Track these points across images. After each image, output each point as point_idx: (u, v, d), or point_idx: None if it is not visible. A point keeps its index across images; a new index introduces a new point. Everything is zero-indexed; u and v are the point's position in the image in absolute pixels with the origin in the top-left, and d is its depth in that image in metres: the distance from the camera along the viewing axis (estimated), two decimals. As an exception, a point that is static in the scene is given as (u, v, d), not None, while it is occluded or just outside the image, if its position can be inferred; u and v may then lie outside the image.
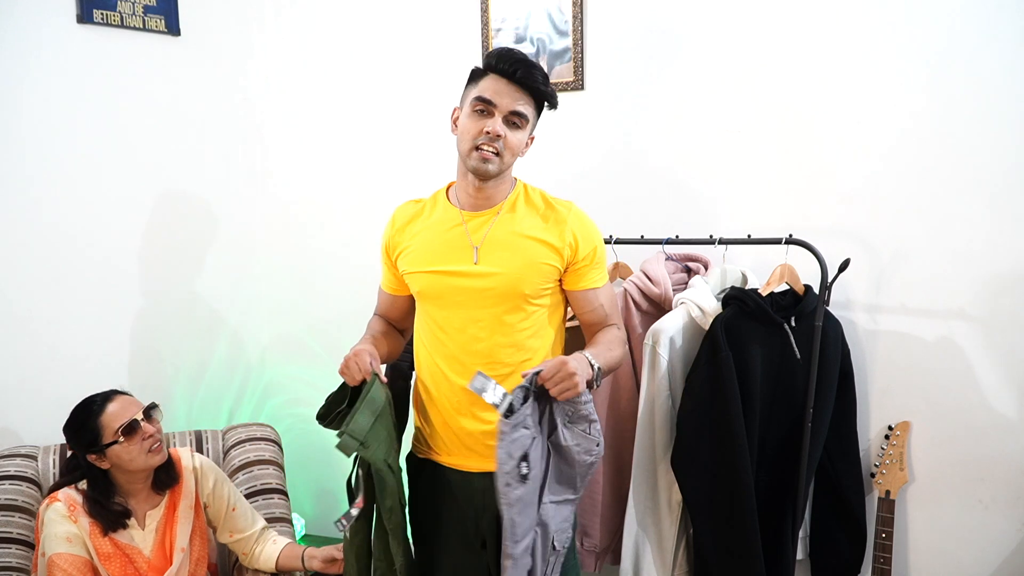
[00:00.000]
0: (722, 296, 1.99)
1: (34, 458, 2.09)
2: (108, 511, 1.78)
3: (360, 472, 1.69)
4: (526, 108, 1.63)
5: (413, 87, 2.62)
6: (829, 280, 1.89)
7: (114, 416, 1.77)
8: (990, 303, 2.01)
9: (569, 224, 1.67)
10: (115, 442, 1.76)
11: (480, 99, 1.62)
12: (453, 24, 2.53)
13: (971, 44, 1.96)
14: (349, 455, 1.60)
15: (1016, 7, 1.92)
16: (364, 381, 1.64)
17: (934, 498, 2.11)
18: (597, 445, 1.60)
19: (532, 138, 1.71)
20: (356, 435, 1.60)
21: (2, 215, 2.21)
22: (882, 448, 2.10)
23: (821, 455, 2.01)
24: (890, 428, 2.10)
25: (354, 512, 1.68)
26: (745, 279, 2.11)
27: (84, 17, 2.32)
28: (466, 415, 1.70)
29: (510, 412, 1.48)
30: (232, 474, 2.22)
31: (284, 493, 2.23)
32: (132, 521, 1.82)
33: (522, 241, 1.66)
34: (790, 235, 1.94)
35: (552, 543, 1.63)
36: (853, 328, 2.13)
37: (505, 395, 1.48)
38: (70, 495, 1.79)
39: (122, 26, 2.40)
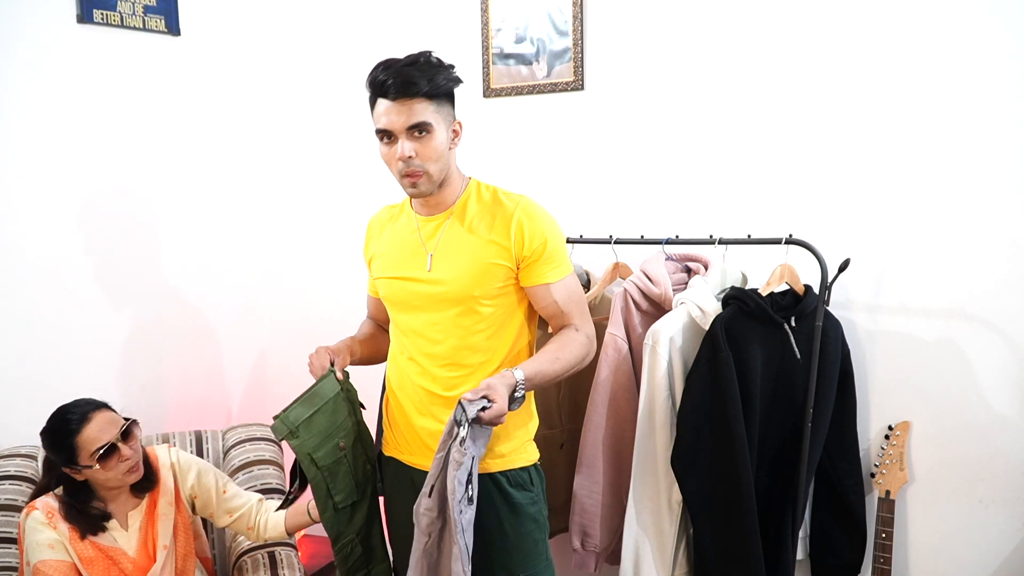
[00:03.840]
0: (722, 296, 1.99)
1: (34, 458, 2.09)
2: (85, 516, 1.76)
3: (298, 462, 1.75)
4: (422, 115, 1.57)
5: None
6: (829, 280, 1.89)
7: (91, 439, 1.72)
8: (990, 303, 2.01)
9: (516, 219, 1.65)
10: (91, 466, 1.73)
11: (378, 131, 1.61)
12: (453, 24, 2.53)
13: (972, 43, 1.96)
14: (278, 440, 1.70)
15: (1017, 6, 1.92)
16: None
17: (934, 498, 2.11)
18: (489, 434, 1.62)
19: (459, 123, 1.67)
20: (288, 423, 1.67)
21: (2, 214, 2.21)
22: (882, 448, 2.10)
23: (821, 455, 2.01)
24: (890, 428, 2.10)
25: (292, 498, 1.78)
26: (745, 279, 2.11)
27: (84, 17, 2.32)
28: (426, 415, 1.73)
29: (463, 441, 1.48)
30: (232, 474, 2.23)
31: (284, 493, 2.23)
32: (114, 523, 1.80)
33: (471, 243, 1.66)
34: (790, 235, 1.94)
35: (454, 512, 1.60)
36: (853, 328, 2.13)
37: (465, 426, 1.49)
38: (47, 502, 1.76)
39: (122, 26, 2.40)
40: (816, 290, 1.93)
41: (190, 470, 1.92)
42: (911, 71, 2.02)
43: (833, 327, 1.98)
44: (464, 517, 1.52)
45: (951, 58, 1.98)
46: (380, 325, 1.94)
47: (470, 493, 1.52)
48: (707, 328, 1.92)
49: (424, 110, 1.57)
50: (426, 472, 1.69)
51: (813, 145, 2.14)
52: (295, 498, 1.80)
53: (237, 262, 2.80)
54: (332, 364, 1.75)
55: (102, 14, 2.35)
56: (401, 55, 1.63)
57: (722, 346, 1.86)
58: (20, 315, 2.25)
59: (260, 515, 1.95)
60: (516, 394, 1.55)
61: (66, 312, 2.34)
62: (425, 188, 1.63)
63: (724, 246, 2.03)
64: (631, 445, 1.98)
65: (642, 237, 2.16)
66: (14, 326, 2.24)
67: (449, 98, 1.64)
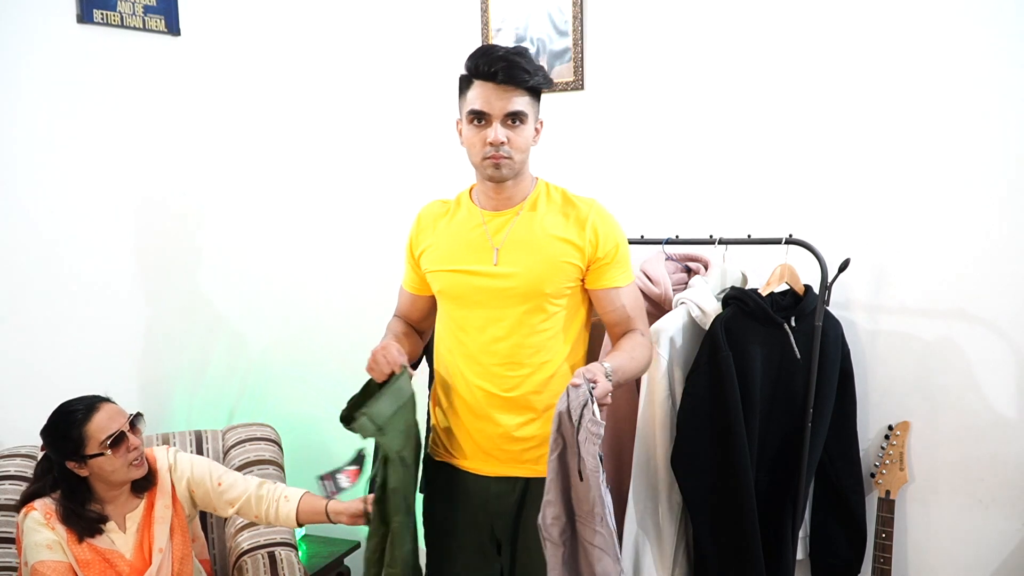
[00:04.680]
0: (722, 296, 1.99)
1: (34, 458, 2.09)
2: (82, 518, 1.74)
3: (373, 458, 1.66)
4: (520, 105, 1.60)
5: (413, 87, 2.62)
6: (829, 280, 1.89)
7: (101, 427, 1.72)
8: (990, 303, 2.01)
9: (591, 221, 1.65)
10: (100, 454, 1.72)
11: (472, 112, 1.60)
12: (453, 24, 2.53)
13: (972, 43, 1.96)
14: (365, 437, 1.58)
15: (1017, 5, 1.92)
16: (391, 376, 1.63)
17: (934, 498, 2.11)
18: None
19: (541, 123, 1.69)
20: (375, 419, 1.58)
21: (1, 214, 2.21)
22: (882, 448, 2.10)
23: (821, 455, 2.01)
24: (890, 428, 2.10)
25: (344, 482, 1.68)
26: (745, 279, 2.11)
27: (84, 17, 2.32)
28: (483, 418, 1.69)
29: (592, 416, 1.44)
30: (232, 474, 2.22)
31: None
32: (112, 525, 1.79)
33: (543, 240, 1.65)
34: (790, 235, 1.94)
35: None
36: (853, 328, 2.13)
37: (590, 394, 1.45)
38: (46, 503, 1.75)
39: (122, 26, 2.40)
40: (816, 290, 1.93)
41: (184, 466, 1.91)
42: (911, 71, 2.02)
43: (833, 327, 1.98)
44: (608, 497, 1.48)
45: (951, 58, 1.98)
46: (411, 324, 1.87)
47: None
48: (707, 328, 1.92)
49: (523, 100, 1.60)
50: (481, 476, 1.69)
51: (813, 145, 2.14)
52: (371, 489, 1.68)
53: (237, 262, 2.79)
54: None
55: (102, 14, 2.35)
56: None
57: (722, 346, 1.86)
58: (18, 315, 2.25)
59: (266, 502, 1.88)
60: (610, 378, 1.52)
61: (65, 312, 2.34)
62: (507, 172, 1.62)
63: (724, 246, 2.03)
64: (631, 445, 1.98)
65: (642, 237, 2.16)
66: (14, 326, 2.24)
67: (539, 97, 1.66)
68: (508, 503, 1.70)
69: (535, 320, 1.65)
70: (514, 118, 1.60)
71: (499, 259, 1.65)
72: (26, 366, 2.26)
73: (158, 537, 1.82)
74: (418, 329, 1.88)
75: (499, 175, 1.62)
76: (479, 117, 1.60)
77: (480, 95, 1.59)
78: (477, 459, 1.72)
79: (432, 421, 1.83)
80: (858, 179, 2.10)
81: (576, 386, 1.46)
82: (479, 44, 2.49)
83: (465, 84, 1.63)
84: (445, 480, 1.78)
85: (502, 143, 1.58)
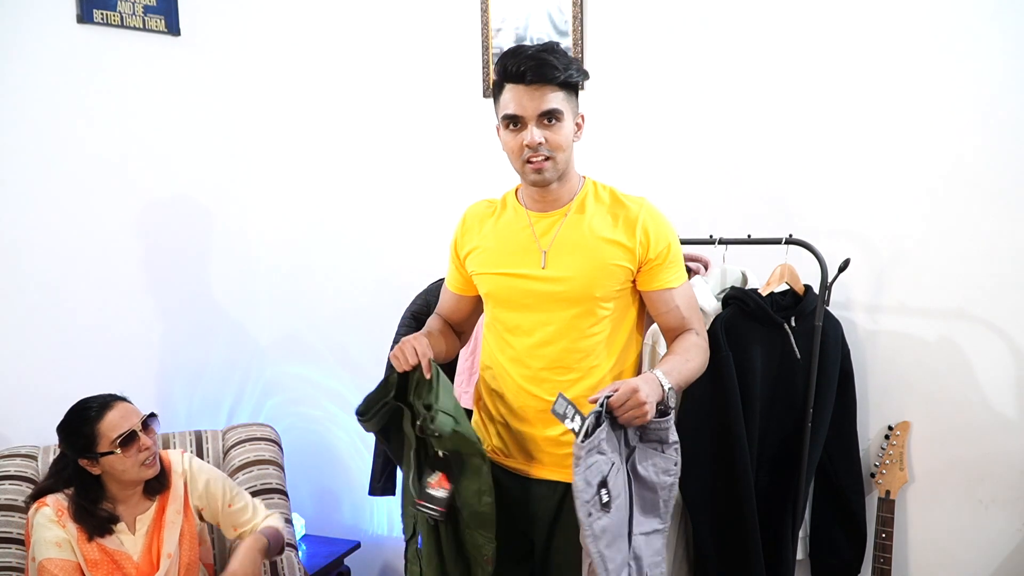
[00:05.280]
0: (722, 296, 1.99)
1: (34, 458, 2.09)
2: (94, 517, 1.75)
3: (440, 453, 1.58)
4: (554, 102, 1.54)
5: (413, 88, 2.62)
6: (829, 280, 1.89)
7: (113, 425, 1.73)
8: (990, 303, 2.01)
9: (641, 221, 1.60)
10: (111, 452, 1.72)
11: (506, 116, 1.56)
12: (453, 24, 2.53)
13: (970, 43, 1.96)
14: (447, 432, 1.51)
15: (1016, 5, 1.92)
16: (414, 369, 1.56)
17: (934, 498, 2.11)
18: (675, 464, 1.53)
19: (582, 118, 1.64)
20: (449, 411, 1.53)
21: (2, 214, 2.21)
22: (882, 448, 2.10)
23: (821, 455, 2.01)
24: (890, 428, 2.10)
25: (440, 493, 1.57)
26: (745, 279, 2.11)
27: (84, 17, 2.32)
28: (531, 421, 1.65)
29: (586, 436, 1.39)
30: (232, 474, 2.22)
31: (284, 493, 2.23)
32: (122, 526, 1.79)
33: (592, 242, 1.60)
34: (790, 235, 1.94)
35: None
36: (853, 328, 2.13)
37: (583, 419, 1.40)
38: (58, 500, 1.76)
39: (122, 26, 2.40)
40: (816, 290, 1.93)
41: (201, 478, 1.91)
42: (911, 71, 2.03)
43: (833, 327, 1.98)
44: (596, 523, 1.41)
45: (951, 59, 1.98)
46: (451, 324, 1.83)
47: (604, 499, 1.42)
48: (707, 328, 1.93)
49: (556, 97, 1.54)
50: (524, 477, 1.66)
51: (813, 145, 2.14)
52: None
53: (237, 261, 2.79)
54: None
55: (102, 14, 2.35)
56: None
57: (722, 346, 1.86)
58: (19, 317, 2.25)
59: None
60: (665, 387, 1.47)
61: (65, 313, 2.34)
62: (550, 175, 1.57)
63: (724, 246, 2.03)
64: (631, 445, 1.98)
65: (642, 237, 2.15)
66: (13, 327, 2.24)
67: (576, 91, 1.61)
68: (548, 506, 1.66)
69: (585, 324, 1.60)
70: (549, 117, 1.54)
71: (547, 262, 1.61)
72: (26, 367, 2.26)
73: (167, 542, 1.82)
74: (458, 330, 1.84)
75: (542, 179, 1.58)
76: (513, 121, 1.55)
77: (512, 98, 1.54)
78: (521, 459, 1.68)
79: (476, 418, 1.79)
80: (858, 179, 2.11)
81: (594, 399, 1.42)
82: (479, 44, 2.49)
83: (497, 89, 1.59)
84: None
85: (539, 144, 1.54)
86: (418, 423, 1.58)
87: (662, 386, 1.48)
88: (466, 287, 1.77)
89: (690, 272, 2.14)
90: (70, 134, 2.33)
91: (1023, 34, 1.92)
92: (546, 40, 2.38)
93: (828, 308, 1.95)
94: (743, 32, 2.18)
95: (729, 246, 2.04)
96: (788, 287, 1.98)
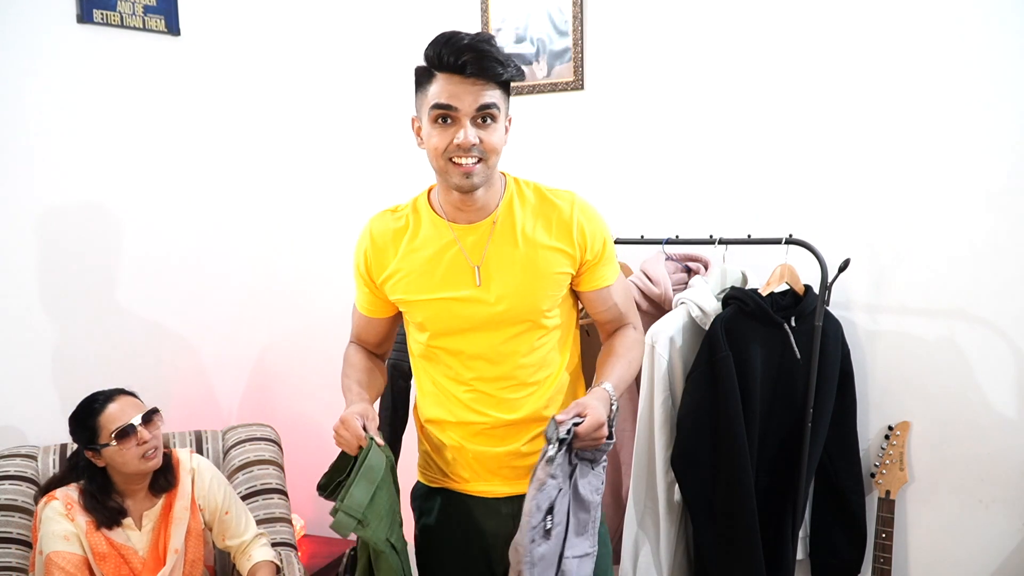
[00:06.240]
0: (722, 296, 1.99)
1: (34, 458, 2.09)
2: (104, 507, 1.78)
3: (355, 553, 1.52)
4: (493, 98, 1.39)
5: (412, 88, 2.61)
6: (829, 280, 1.89)
7: (111, 418, 1.77)
8: (990, 303, 2.01)
9: (576, 221, 1.49)
10: (109, 444, 1.76)
11: (438, 106, 1.39)
12: (453, 24, 2.52)
13: (971, 43, 1.96)
14: (346, 535, 1.41)
15: (1016, 5, 1.92)
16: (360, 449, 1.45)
17: (934, 498, 2.11)
18: (602, 483, 1.49)
19: (510, 120, 1.49)
20: (353, 512, 1.41)
21: (1, 214, 2.21)
22: (882, 448, 2.10)
23: (821, 455, 2.01)
24: (890, 428, 2.10)
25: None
26: (745, 279, 2.11)
27: (84, 17, 2.32)
28: (486, 443, 1.54)
29: (551, 461, 1.35)
30: (232, 474, 2.22)
31: (284, 493, 2.23)
32: (129, 521, 1.81)
33: (528, 252, 1.48)
34: (790, 235, 1.94)
35: None
36: (853, 328, 2.13)
37: (560, 445, 1.34)
38: (67, 493, 1.79)
39: (122, 26, 2.40)
40: (816, 290, 1.93)
41: (206, 477, 1.93)
42: (911, 71, 2.02)
43: (833, 327, 1.98)
44: (536, 550, 1.35)
45: (951, 58, 1.98)
46: (370, 350, 1.70)
47: (548, 526, 1.36)
48: (707, 328, 1.93)
49: (494, 94, 1.40)
50: (489, 499, 1.57)
51: (813, 145, 2.14)
52: None
53: (237, 262, 2.79)
54: (365, 430, 1.46)
55: (102, 14, 2.35)
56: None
57: (722, 346, 1.86)
58: (19, 317, 2.25)
59: (245, 555, 1.92)
60: (613, 406, 1.44)
61: (65, 313, 2.34)
62: (479, 179, 1.42)
63: (724, 246, 2.03)
64: (630, 445, 1.98)
65: (642, 237, 2.16)
66: (13, 327, 2.24)
67: (509, 91, 1.47)
68: (512, 524, 1.49)
69: (533, 338, 1.51)
70: (486, 116, 1.39)
71: (481, 278, 1.48)
72: (26, 367, 2.26)
73: (174, 538, 1.84)
74: (378, 353, 1.71)
75: (469, 184, 1.41)
76: (444, 116, 1.39)
77: (446, 89, 1.38)
78: (483, 480, 1.57)
79: (421, 447, 1.66)
80: (858, 179, 2.10)
81: (560, 422, 1.36)
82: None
83: (425, 77, 1.42)
84: (443, 508, 1.62)
85: (473, 144, 1.38)
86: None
87: (611, 404, 1.44)
88: (383, 308, 1.62)
89: (690, 272, 2.15)
90: (69, 134, 2.32)
91: (1021, 34, 1.92)
92: (546, 40, 2.40)
93: (828, 308, 1.95)
94: (743, 32, 2.18)
95: (729, 246, 2.04)
96: (788, 287, 1.98)
